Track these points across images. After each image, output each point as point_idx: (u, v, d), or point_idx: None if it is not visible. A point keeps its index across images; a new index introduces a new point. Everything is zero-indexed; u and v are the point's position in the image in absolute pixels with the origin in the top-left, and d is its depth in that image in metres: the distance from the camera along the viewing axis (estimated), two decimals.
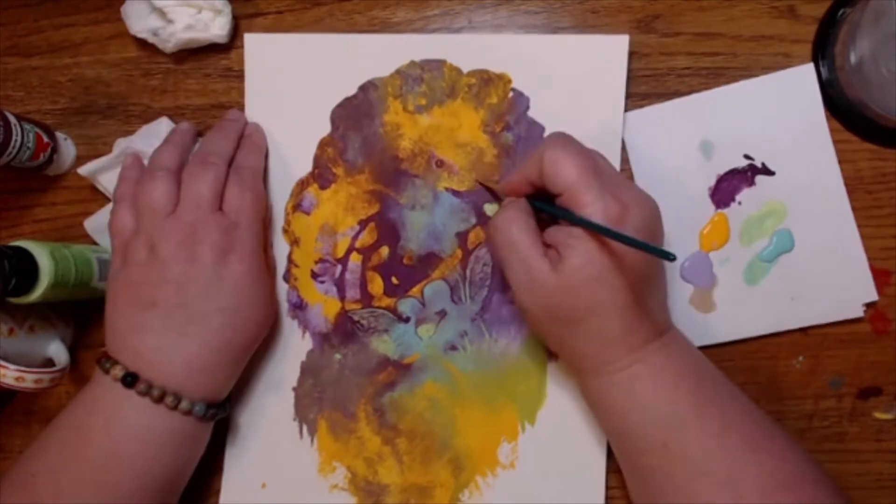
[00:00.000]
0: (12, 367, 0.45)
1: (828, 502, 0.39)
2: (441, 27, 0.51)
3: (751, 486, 0.39)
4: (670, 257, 0.37)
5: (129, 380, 0.42)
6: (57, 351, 0.50)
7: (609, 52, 0.49)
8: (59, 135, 0.52)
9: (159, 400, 0.42)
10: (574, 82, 0.49)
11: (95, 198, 0.53)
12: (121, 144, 0.51)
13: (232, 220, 0.45)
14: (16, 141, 0.47)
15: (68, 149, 0.53)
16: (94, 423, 0.43)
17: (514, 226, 0.42)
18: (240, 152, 0.49)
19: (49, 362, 0.50)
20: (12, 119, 0.48)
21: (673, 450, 0.40)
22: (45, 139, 0.50)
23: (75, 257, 0.47)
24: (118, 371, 0.43)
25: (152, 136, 0.51)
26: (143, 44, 0.52)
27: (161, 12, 0.50)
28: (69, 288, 0.47)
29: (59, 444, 0.44)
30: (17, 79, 0.53)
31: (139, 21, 0.51)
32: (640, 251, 0.39)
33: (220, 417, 0.46)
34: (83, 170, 0.51)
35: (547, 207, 0.43)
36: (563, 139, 0.42)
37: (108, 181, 0.51)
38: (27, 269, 0.44)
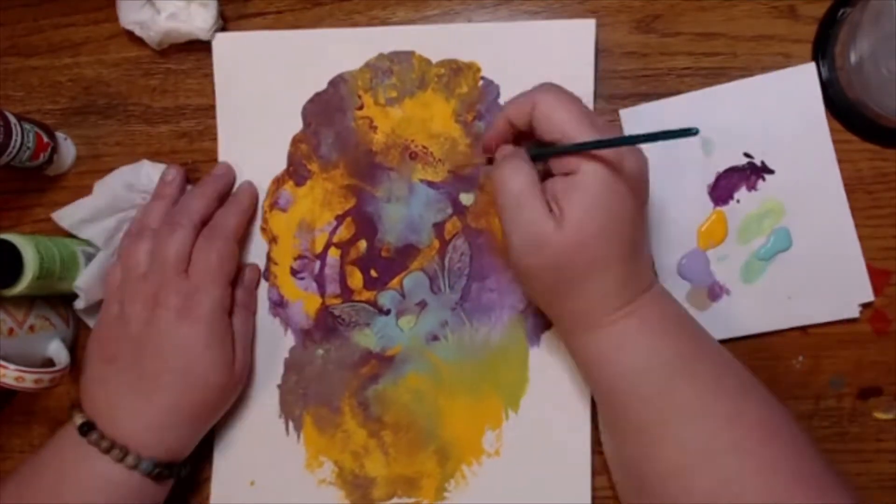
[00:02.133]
0: (12, 367, 0.45)
1: (809, 443, 0.40)
2: None
3: (747, 428, 0.39)
4: (692, 131, 0.36)
5: (85, 428, 0.44)
6: (57, 351, 0.50)
7: (576, 37, 0.49)
8: (59, 135, 0.52)
9: (107, 451, 0.43)
10: (543, 68, 0.49)
11: None
12: (99, 188, 0.50)
13: (193, 283, 0.45)
14: (16, 141, 0.48)
15: (68, 149, 0.53)
16: (51, 464, 0.45)
17: (517, 180, 0.41)
18: (220, 211, 0.49)
19: (49, 362, 0.50)
20: (12, 119, 0.48)
21: (667, 396, 0.41)
22: (45, 139, 0.50)
23: (60, 250, 0.48)
24: (78, 419, 0.45)
25: (133, 178, 0.50)
26: (143, 44, 0.52)
27: (153, 6, 0.50)
28: (55, 280, 0.47)
29: (17, 483, 0.45)
30: (17, 79, 0.54)
31: (130, 13, 0.51)
32: (646, 172, 0.40)
33: (171, 477, 0.46)
34: (60, 218, 0.50)
35: (549, 150, 0.42)
36: (556, 87, 0.42)
37: (90, 234, 0.50)
38: (11, 261, 0.45)
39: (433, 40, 0.50)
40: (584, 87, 0.49)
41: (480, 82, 0.50)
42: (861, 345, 0.49)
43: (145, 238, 0.47)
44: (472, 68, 0.50)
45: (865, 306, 0.48)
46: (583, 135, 0.40)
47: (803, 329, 0.49)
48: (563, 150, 0.41)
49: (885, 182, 0.48)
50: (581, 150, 0.40)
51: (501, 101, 0.50)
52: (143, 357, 0.45)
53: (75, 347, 0.52)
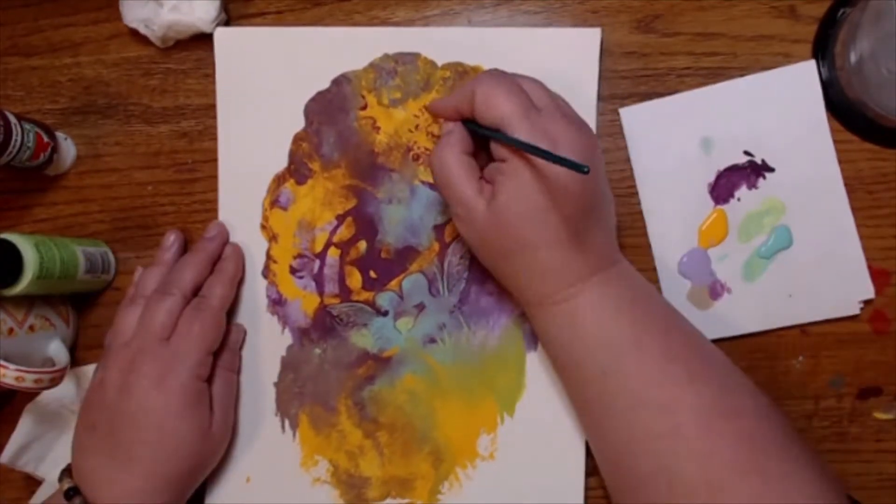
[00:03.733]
0: (12, 367, 0.45)
1: (765, 431, 0.40)
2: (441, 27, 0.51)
3: (688, 414, 0.40)
4: (583, 169, 0.37)
5: (70, 494, 0.44)
6: (57, 351, 0.50)
7: (582, 45, 0.49)
8: (59, 135, 0.52)
9: None
10: (547, 75, 0.49)
11: (95, 197, 0.53)
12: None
13: (171, 350, 0.45)
14: (16, 141, 0.48)
15: (68, 149, 0.53)
16: None
17: (450, 160, 0.43)
18: (208, 280, 0.49)
19: (49, 362, 0.50)
20: (12, 119, 0.48)
21: (611, 378, 0.41)
22: (45, 139, 0.50)
23: (60, 250, 0.48)
24: (66, 484, 0.45)
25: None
26: (143, 44, 0.52)
27: (157, 3, 0.50)
28: (55, 280, 0.47)
29: None
30: (17, 79, 0.54)
31: (133, 10, 0.51)
32: (578, 183, 0.40)
33: None
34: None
35: (480, 129, 0.43)
36: (496, 75, 0.43)
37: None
38: (11, 261, 0.45)
39: (439, 42, 0.50)
40: (587, 94, 0.49)
41: None
42: (861, 345, 0.49)
43: (137, 305, 0.47)
44: (478, 72, 0.50)
45: (866, 304, 0.48)
46: (514, 127, 0.40)
47: (803, 329, 0.49)
48: (490, 136, 0.42)
49: (885, 182, 0.48)
50: (505, 141, 0.41)
51: None
52: (118, 427, 0.45)
53: (75, 347, 0.52)
